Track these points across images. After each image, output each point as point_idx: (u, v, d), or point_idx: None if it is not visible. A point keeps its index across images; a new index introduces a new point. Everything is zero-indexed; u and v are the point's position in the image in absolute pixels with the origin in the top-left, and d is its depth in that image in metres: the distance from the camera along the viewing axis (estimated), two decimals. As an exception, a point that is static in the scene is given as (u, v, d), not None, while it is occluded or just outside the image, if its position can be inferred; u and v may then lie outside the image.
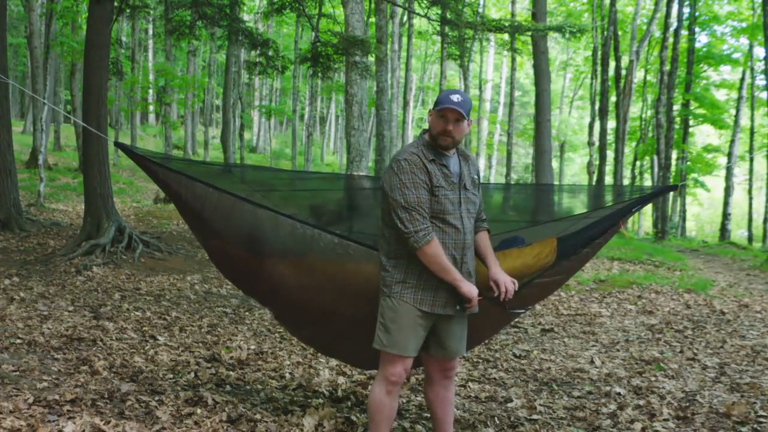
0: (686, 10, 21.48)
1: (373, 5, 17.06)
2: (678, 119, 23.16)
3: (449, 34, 18.26)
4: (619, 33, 22.62)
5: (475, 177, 2.90)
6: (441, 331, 2.87)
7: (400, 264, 2.74)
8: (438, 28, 18.59)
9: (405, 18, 22.60)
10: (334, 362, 4.70)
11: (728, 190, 22.17)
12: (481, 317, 3.38)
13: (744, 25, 23.04)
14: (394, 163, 2.69)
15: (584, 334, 6.34)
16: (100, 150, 8.30)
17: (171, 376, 4.16)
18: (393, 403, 2.83)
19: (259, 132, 35.70)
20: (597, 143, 22.33)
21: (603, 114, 20.77)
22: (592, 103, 24.62)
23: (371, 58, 12.43)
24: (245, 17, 24.57)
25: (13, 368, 3.92)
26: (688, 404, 4.09)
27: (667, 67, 20.58)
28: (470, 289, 2.74)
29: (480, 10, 21.69)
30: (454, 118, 2.69)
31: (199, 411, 3.48)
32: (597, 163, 21.95)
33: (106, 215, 8.32)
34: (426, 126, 2.86)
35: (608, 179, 22.23)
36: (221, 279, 7.96)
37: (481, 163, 31.48)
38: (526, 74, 36.76)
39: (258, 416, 3.49)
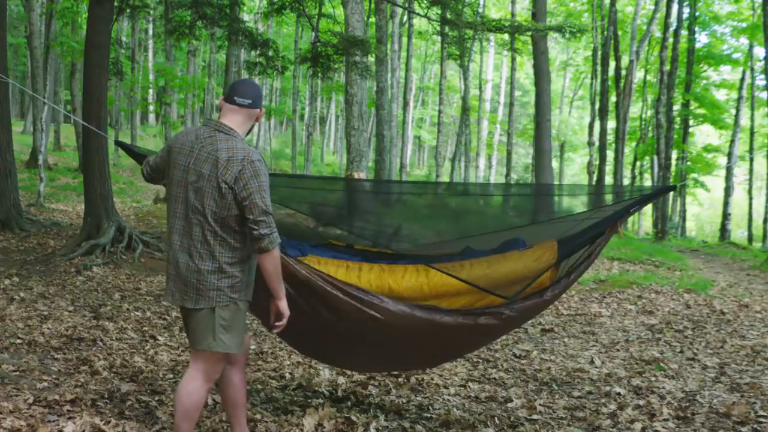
0: (686, 10, 21.48)
1: (373, 5, 17.07)
2: (678, 119, 23.15)
3: (449, 34, 18.25)
4: (619, 33, 22.59)
5: None
6: None
7: (245, 268, 2.75)
8: (438, 28, 18.59)
9: (405, 18, 22.59)
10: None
11: (728, 190, 22.16)
12: (490, 326, 3.38)
13: (744, 25, 23.02)
14: (248, 163, 2.61)
15: (584, 334, 6.34)
16: (100, 150, 8.30)
17: (171, 376, 4.17)
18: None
19: (259, 132, 35.63)
20: (597, 143, 22.32)
21: (603, 114, 20.76)
22: (592, 103, 24.60)
23: (371, 58, 12.44)
24: (245, 17, 24.56)
25: (13, 368, 3.92)
26: (688, 404, 4.09)
27: (667, 67, 20.58)
28: (286, 307, 2.77)
29: (480, 10, 21.71)
30: None
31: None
32: (597, 163, 21.94)
33: (106, 215, 8.31)
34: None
35: (608, 179, 22.22)
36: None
37: (481, 163, 31.44)
38: (526, 74, 36.73)
39: (258, 416, 3.50)
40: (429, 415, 3.82)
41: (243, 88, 2.77)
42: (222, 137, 2.68)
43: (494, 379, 4.72)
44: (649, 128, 26.31)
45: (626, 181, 27.21)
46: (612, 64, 21.98)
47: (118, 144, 3.52)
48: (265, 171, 2.65)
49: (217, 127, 2.71)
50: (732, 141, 23.19)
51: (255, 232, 2.60)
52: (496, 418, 3.81)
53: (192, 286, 2.69)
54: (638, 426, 3.69)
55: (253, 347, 5.07)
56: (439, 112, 24.71)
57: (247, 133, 2.83)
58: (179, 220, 2.71)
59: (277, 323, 2.79)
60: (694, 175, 24.69)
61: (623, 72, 21.76)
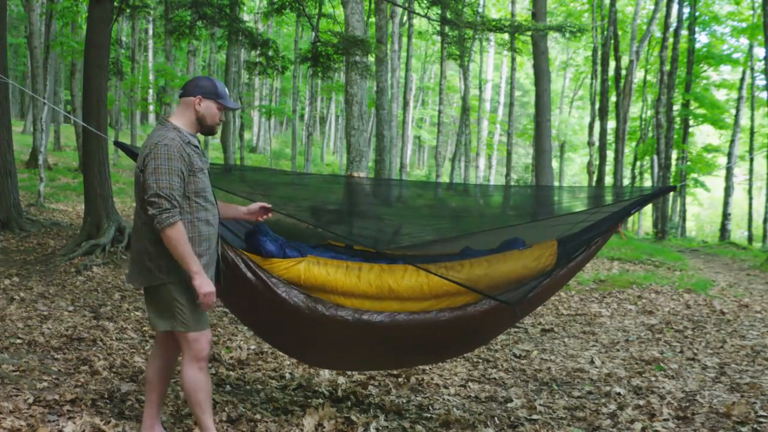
0: (686, 10, 21.48)
1: (373, 5, 17.06)
2: (678, 119, 23.14)
3: (449, 34, 18.25)
4: (619, 33, 22.60)
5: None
6: None
7: None
8: (438, 28, 18.60)
9: (405, 18, 22.59)
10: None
11: (728, 190, 22.16)
12: (487, 319, 3.40)
13: (744, 25, 23.01)
14: (153, 148, 2.77)
15: (584, 334, 6.34)
16: (100, 150, 8.29)
17: (171, 376, 4.16)
18: (208, 378, 2.95)
19: (259, 132, 35.70)
20: (597, 143, 22.32)
21: (603, 114, 20.77)
22: (592, 103, 24.61)
23: (371, 58, 12.44)
24: (245, 17, 24.57)
25: (13, 368, 3.92)
26: (688, 404, 4.09)
27: (667, 67, 20.58)
28: (202, 284, 2.77)
29: (480, 10, 21.70)
30: None
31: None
32: (597, 163, 21.94)
33: (106, 215, 8.31)
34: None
35: (608, 179, 22.22)
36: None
37: (481, 163, 31.43)
38: (526, 74, 36.72)
39: (258, 416, 3.50)
40: (429, 415, 3.82)
41: (186, 82, 3.00)
42: (156, 128, 2.92)
43: (494, 379, 4.72)
44: (649, 128, 26.31)
45: (626, 181, 27.21)
46: (612, 64, 21.98)
47: (118, 145, 3.54)
48: (169, 155, 2.74)
49: (159, 120, 2.97)
50: (732, 141, 23.19)
51: (148, 211, 2.73)
52: (496, 418, 3.80)
53: (134, 266, 2.93)
54: (638, 426, 3.69)
55: (252, 347, 5.07)
56: (439, 112, 24.71)
57: (208, 129, 2.95)
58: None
59: (200, 301, 2.79)
60: (694, 175, 24.68)
61: (623, 72, 21.76)
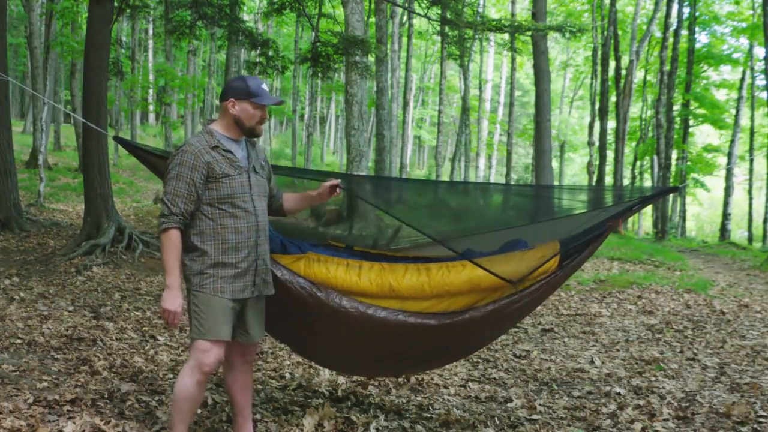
0: (686, 10, 21.49)
1: (373, 5, 17.07)
2: (678, 119, 23.16)
3: (449, 34, 18.25)
4: (619, 33, 22.60)
5: (263, 163, 3.03)
6: (243, 316, 2.95)
7: (196, 256, 2.81)
8: (438, 28, 18.60)
9: (405, 18, 22.60)
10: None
11: (728, 190, 22.18)
12: (488, 321, 3.39)
13: (744, 25, 23.03)
14: (173, 153, 2.83)
15: (584, 334, 6.34)
16: (100, 150, 8.30)
17: (171, 376, 4.17)
18: (201, 394, 2.89)
19: (260, 132, 35.67)
20: (597, 143, 22.33)
21: (603, 114, 20.77)
22: (592, 103, 24.61)
23: (371, 58, 12.44)
24: (245, 17, 24.57)
25: (13, 368, 3.93)
26: (688, 404, 4.09)
27: (667, 67, 20.59)
28: (167, 297, 2.72)
29: (480, 10, 21.71)
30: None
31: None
32: (597, 163, 21.95)
33: (106, 215, 8.32)
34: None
35: (608, 179, 22.23)
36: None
37: (481, 163, 31.43)
38: (526, 74, 36.73)
39: (258, 416, 3.50)
40: (429, 415, 3.82)
41: None
42: None
43: (494, 379, 4.72)
44: (649, 128, 26.32)
45: (626, 181, 27.22)
46: (612, 64, 21.98)
47: (118, 140, 3.53)
48: (180, 161, 2.75)
49: (210, 120, 2.97)
50: (732, 141, 23.21)
51: None
52: (496, 418, 3.80)
53: None
54: (638, 426, 3.69)
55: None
56: (439, 112, 24.71)
57: (249, 130, 2.87)
58: None
59: (163, 317, 2.75)
60: (695, 175, 24.70)
61: (623, 72, 21.76)
